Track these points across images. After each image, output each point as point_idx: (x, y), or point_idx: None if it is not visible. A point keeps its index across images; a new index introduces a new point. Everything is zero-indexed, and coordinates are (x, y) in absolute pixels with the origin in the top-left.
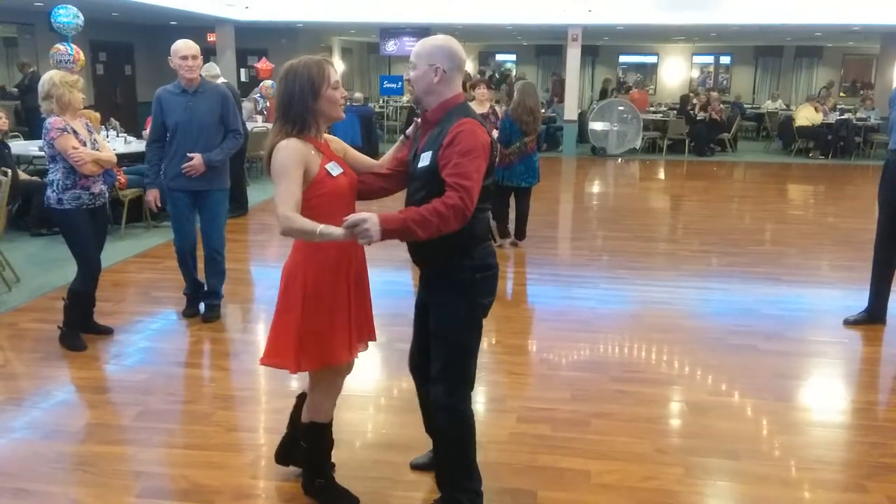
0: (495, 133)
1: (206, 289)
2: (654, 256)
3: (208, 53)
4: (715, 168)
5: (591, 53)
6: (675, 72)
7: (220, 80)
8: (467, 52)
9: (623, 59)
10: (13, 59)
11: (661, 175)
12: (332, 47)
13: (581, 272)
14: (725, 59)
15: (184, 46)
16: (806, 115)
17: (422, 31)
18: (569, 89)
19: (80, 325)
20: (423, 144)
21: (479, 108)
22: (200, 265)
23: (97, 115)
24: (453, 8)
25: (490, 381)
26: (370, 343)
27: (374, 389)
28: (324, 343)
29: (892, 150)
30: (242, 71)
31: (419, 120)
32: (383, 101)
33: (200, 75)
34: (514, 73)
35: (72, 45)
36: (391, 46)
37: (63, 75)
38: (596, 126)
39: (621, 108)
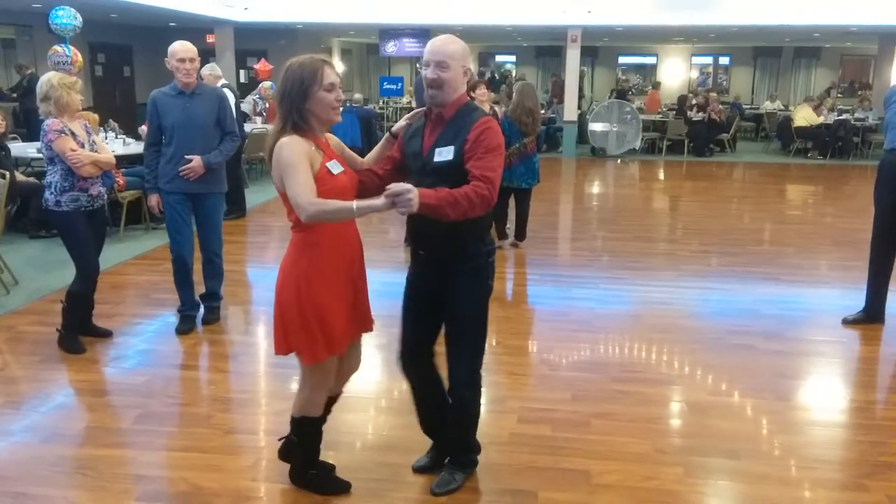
0: None
1: (204, 291)
2: (654, 257)
3: (207, 55)
4: (714, 168)
5: (591, 54)
6: (675, 73)
7: (222, 82)
8: (464, 52)
9: (622, 59)
10: (11, 60)
11: (661, 175)
12: (332, 48)
13: (581, 273)
14: (724, 60)
15: (181, 49)
16: (804, 116)
17: (421, 33)
18: (568, 90)
19: (79, 328)
20: (434, 141)
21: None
22: (197, 278)
23: (96, 116)
24: (453, 9)
25: (491, 381)
26: (371, 345)
27: (375, 391)
28: (322, 337)
29: (888, 150)
30: (242, 72)
31: (409, 119)
32: (383, 102)
33: (198, 77)
34: (513, 73)
35: (70, 46)
36: (391, 47)
37: (61, 77)
38: (596, 127)
39: (620, 108)
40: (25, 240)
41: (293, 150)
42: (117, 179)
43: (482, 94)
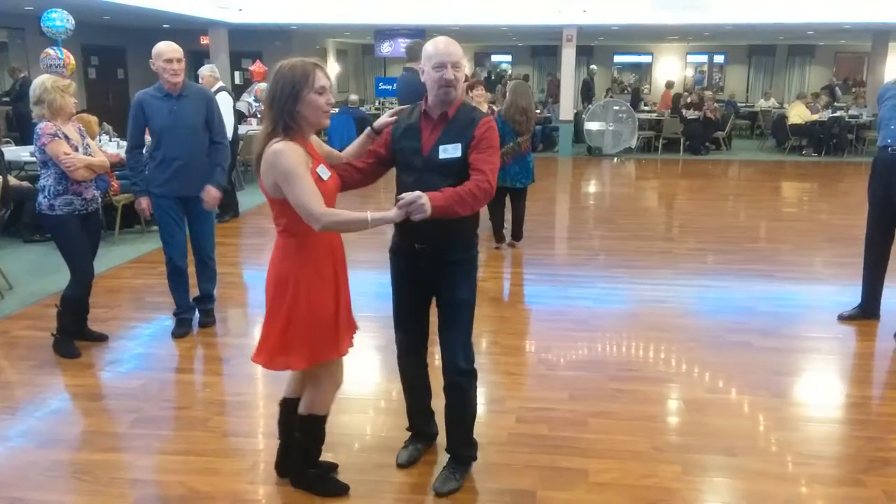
0: None
1: (199, 293)
2: (651, 255)
3: (202, 56)
4: (710, 166)
5: (586, 53)
6: (670, 71)
7: (219, 85)
8: (463, 52)
9: (618, 58)
10: (3, 64)
11: (657, 174)
12: (327, 49)
13: (578, 272)
14: (719, 59)
15: (167, 49)
16: (798, 113)
17: (417, 33)
18: (564, 89)
19: (74, 332)
20: (437, 139)
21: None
22: (191, 280)
23: (94, 118)
24: (449, 9)
25: (489, 381)
26: (369, 346)
27: (373, 392)
28: (327, 338)
29: (882, 146)
30: (236, 74)
31: (392, 116)
32: (379, 103)
33: (193, 78)
34: (509, 73)
35: (62, 49)
36: (386, 48)
37: (55, 80)
38: (592, 126)
39: (616, 107)
40: (19, 244)
41: (293, 158)
42: (111, 183)
43: (480, 94)
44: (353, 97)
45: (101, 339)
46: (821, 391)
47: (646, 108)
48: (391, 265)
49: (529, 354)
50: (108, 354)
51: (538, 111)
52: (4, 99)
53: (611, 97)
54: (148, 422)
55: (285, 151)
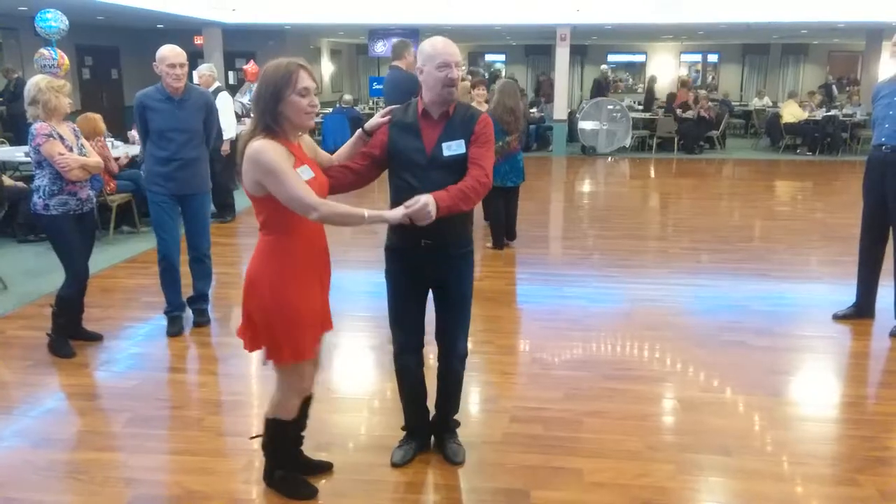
0: None
1: (193, 293)
2: (645, 254)
3: (196, 56)
4: (704, 165)
5: (580, 53)
6: (664, 70)
7: (217, 85)
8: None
9: (611, 58)
10: None
11: (651, 173)
12: (321, 49)
13: (572, 271)
14: (713, 58)
15: (172, 54)
16: (792, 112)
17: (411, 33)
18: (558, 89)
19: (69, 332)
20: (438, 136)
21: (478, 108)
22: (185, 280)
23: (99, 116)
24: (442, 9)
25: (483, 381)
26: (364, 346)
27: (368, 392)
28: (294, 339)
29: (876, 145)
30: (230, 73)
31: (384, 117)
32: (373, 103)
33: (190, 80)
34: (503, 73)
35: (56, 49)
36: (380, 48)
37: (49, 80)
38: (586, 125)
39: (610, 106)
40: (14, 244)
41: (273, 154)
42: (108, 183)
43: (480, 93)
44: (347, 97)
45: (96, 338)
46: (816, 390)
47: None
48: (390, 263)
49: (524, 354)
50: (102, 354)
51: (532, 110)
52: None
53: (607, 96)
54: (143, 421)
55: (265, 148)
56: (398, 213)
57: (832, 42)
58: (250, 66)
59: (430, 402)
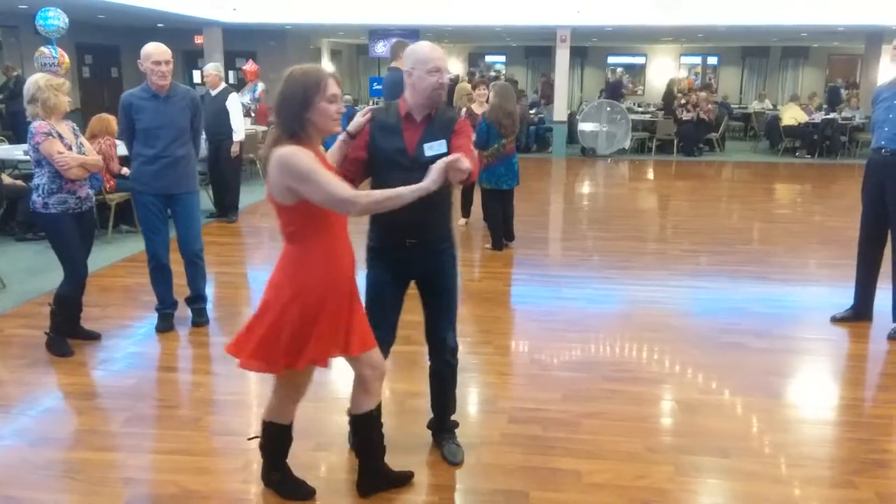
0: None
1: (190, 294)
2: (644, 256)
3: (196, 56)
4: (703, 168)
5: (580, 54)
6: (664, 72)
7: (223, 86)
8: (457, 53)
9: (611, 59)
10: None
11: (650, 175)
12: (321, 49)
13: (571, 272)
14: (713, 60)
15: (156, 51)
16: (792, 115)
17: (411, 33)
18: (558, 90)
19: (67, 331)
20: (420, 137)
21: (478, 108)
22: (179, 280)
23: (113, 118)
24: (443, 9)
25: (481, 381)
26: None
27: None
28: (309, 345)
29: (875, 148)
30: (230, 73)
31: (364, 117)
32: (373, 103)
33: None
34: (503, 74)
35: (57, 47)
36: (380, 48)
37: (48, 79)
38: (585, 127)
39: (609, 108)
40: (13, 243)
41: (305, 157)
42: (107, 181)
43: (482, 94)
44: (347, 97)
45: (94, 337)
46: (814, 393)
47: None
48: (374, 264)
49: (522, 355)
50: (100, 353)
51: (532, 112)
52: None
53: (604, 98)
54: (141, 421)
55: (294, 152)
56: (433, 176)
57: (832, 45)
58: (250, 66)
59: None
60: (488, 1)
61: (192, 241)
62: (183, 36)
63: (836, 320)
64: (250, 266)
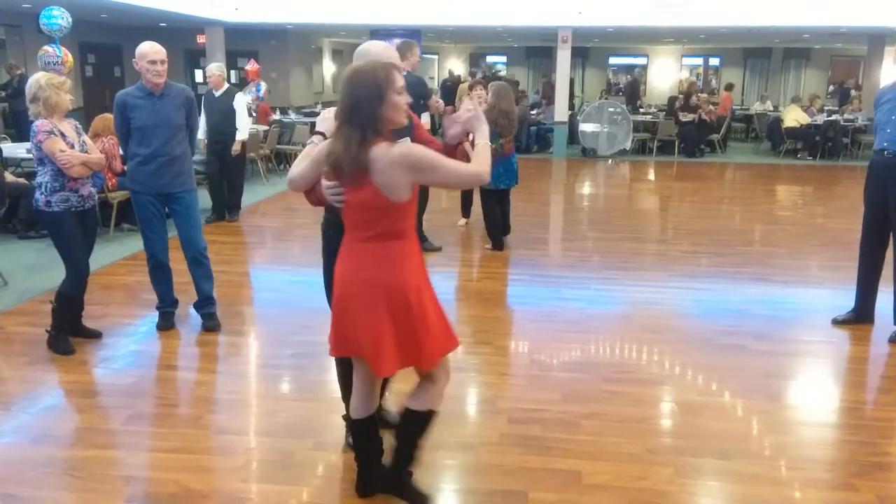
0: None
1: (198, 297)
2: (645, 257)
3: (198, 55)
4: (704, 169)
5: (581, 55)
6: (665, 73)
7: (226, 87)
8: (458, 53)
9: (613, 60)
10: (1, 61)
11: (651, 176)
12: (322, 49)
13: (571, 273)
14: (714, 61)
15: (152, 50)
16: (795, 117)
17: (412, 33)
18: (559, 91)
19: (69, 329)
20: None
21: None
22: (182, 278)
23: None
24: (444, 9)
25: (481, 382)
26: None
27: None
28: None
29: (877, 150)
30: (232, 73)
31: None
32: None
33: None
34: (504, 74)
35: (60, 46)
36: None
37: (49, 77)
38: (586, 127)
39: (611, 109)
40: (15, 241)
41: (420, 148)
42: (109, 180)
43: (479, 94)
44: None
45: (96, 335)
46: (814, 395)
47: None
48: (330, 241)
49: (522, 355)
50: (102, 351)
51: (533, 113)
52: (0, 94)
53: (606, 98)
54: (141, 419)
55: (411, 148)
56: (455, 131)
57: (834, 46)
58: (251, 66)
59: None
60: (489, 1)
61: (194, 240)
62: (185, 35)
63: (837, 323)
64: (253, 265)
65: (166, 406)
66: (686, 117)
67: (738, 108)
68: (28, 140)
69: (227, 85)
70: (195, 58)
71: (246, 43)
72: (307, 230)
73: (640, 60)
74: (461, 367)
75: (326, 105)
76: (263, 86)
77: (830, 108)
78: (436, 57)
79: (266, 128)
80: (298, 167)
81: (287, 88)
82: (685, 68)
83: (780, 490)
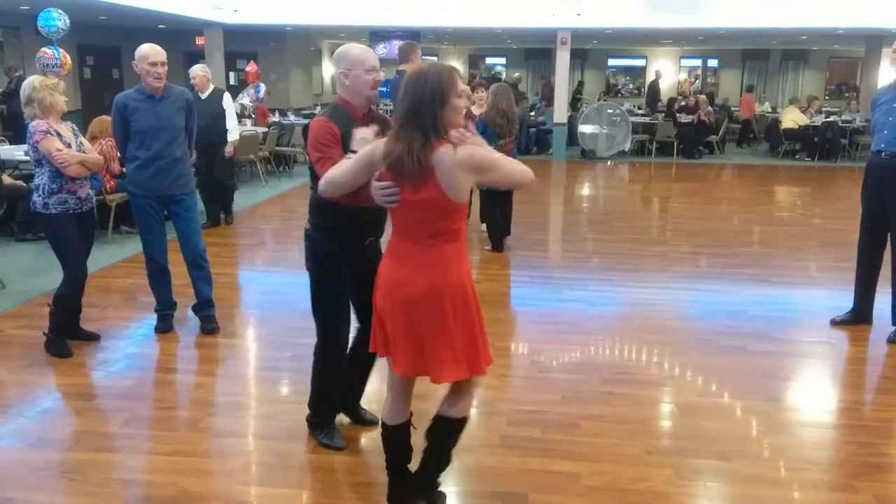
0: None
1: (197, 300)
2: (644, 258)
3: (197, 57)
4: (703, 170)
5: (580, 57)
6: (664, 75)
7: (212, 87)
8: (457, 55)
9: (612, 62)
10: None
11: (650, 177)
12: (322, 50)
13: (571, 274)
14: (713, 63)
15: (152, 52)
16: (793, 118)
17: (411, 35)
18: (558, 92)
19: (67, 332)
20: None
21: (478, 110)
22: (181, 280)
23: None
24: (443, 11)
25: (480, 383)
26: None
27: (368, 393)
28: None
29: (875, 151)
30: (231, 74)
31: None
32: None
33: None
34: (503, 75)
35: (58, 48)
36: (381, 49)
37: (42, 79)
38: (585, 129)
39: (610, 110)
40: (12, 243)
41: (481, 149)
42: (107, 182)
43: (480, 96)
44: None
45: (94, 338)
46: (813, 396)
47: (706, 119)
48: (332, 270)
49: (521, 357)
50: (100, 354)
51: (532, 114)
52: None
53: (605, 100)
54: (139, 422)
55: (473, 149)
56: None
57: (832, 48)
58: (251, 67)
59: None
60: (488, 3)
61: (194, 242)
62: (184, 37)
63: (835, 323)
64: (249, 268)
65: (165, 409)
66: (685, 119)
67: (737, 109)
68: (25, 142)
69: (212, 86)
70: (194, 60)
71: (245, 44)
72: None
73: (639, 62)
74: None
75: (325, 106)
76: (263, 87)
77: (829, 108)
78: (435, 58)
79: (265, 129)
80: (337, 170)
81: (286, 90)
82: (684, 70)
83: (779, 491)
